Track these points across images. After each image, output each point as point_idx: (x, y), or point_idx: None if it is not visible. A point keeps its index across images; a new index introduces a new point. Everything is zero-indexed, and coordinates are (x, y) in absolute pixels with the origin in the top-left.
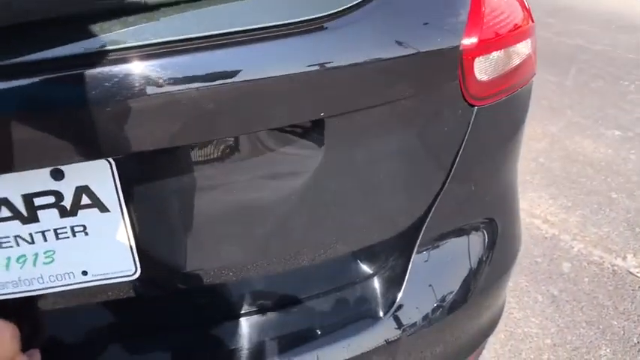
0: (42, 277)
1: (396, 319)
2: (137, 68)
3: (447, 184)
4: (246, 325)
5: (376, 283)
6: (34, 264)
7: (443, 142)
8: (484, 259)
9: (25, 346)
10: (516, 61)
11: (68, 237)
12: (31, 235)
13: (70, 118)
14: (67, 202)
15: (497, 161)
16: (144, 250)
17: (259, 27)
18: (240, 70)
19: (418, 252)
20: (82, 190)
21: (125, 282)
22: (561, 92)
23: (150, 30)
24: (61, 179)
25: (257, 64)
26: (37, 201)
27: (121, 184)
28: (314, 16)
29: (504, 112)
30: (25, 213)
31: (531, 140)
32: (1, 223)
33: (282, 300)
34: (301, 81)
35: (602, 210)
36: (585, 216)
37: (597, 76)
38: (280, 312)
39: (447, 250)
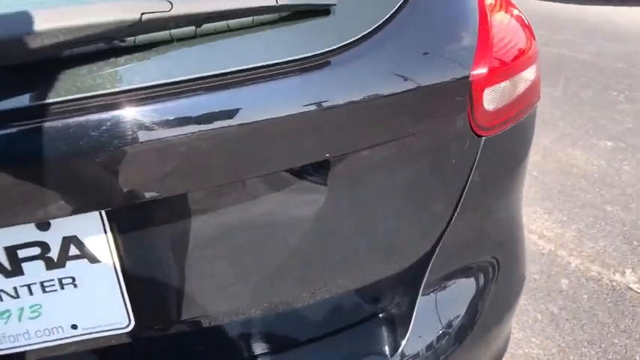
0: (28, 333)
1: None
2: (126, 114)
3: (453, 219)
4: None
5: (382, 323)
6: (19, 319)
7: (450, 175)
8: (491, 296)
9: None
10: (523, 88)
11: (56, 290)
12: (15, 288)
13: (55, 170)
14: (54, 254)
15: (504, 192)
16: (138, 301)
17: (257, 66)
18: (236, 113)
19: (425, 290)
20: (69, 240)
21: (119, 334)
22: (552, 103)
23: (139, 72)
24: (47, 229)
25: (255, 105)
26: (21, 253)
27: (111, 233)
28: (314, 53)
29: (511, 139)
30: (8, 266)
31: None
32: None
33: (287, 343)
34: (303, 121)
35: (598, 224)
36: (581, 230)
37: (586, 85)
38: (285, 355)
39: (454, 287)
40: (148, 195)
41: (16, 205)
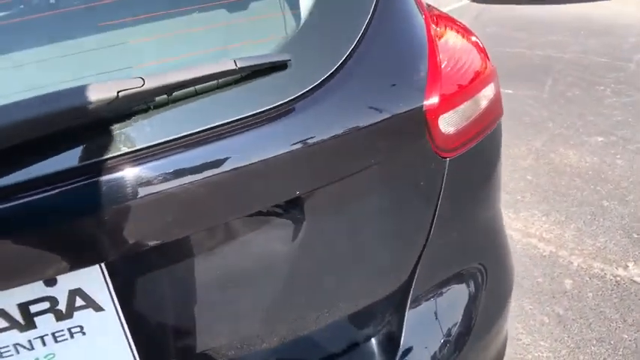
0: None
1: None
2: (118, 176)
3: (430, 237)
4: None
5: (374, 343)
6: None
7: (421, 197)
8: (479, 302)
9: None
10: (481, 108)
11: (66, 339)
12: (30, 341)
13: (55, 234)
14: (62, 306)
15: (478, 203)
16: (143, 345)
17: (228, 121)
18: (215, 164)
19: (411, 306)
20: (75, 292)
21: None
22: (540, 106)
23: (123, 140)
24: (54, 285)
25: (229, 155)
26: (33, 308)
27: (112, 282)
28: (277, 104)
29: (476, 157)
30: (22, 321)
31: (517, 158)
32: (0, 334)
33: None
34: (274, 164)
35: (596, 220)
36: (580, 229)
37: (573, 84)
38: None
39: (440, 300)
40: (138, 245)
41: (25, 267)
